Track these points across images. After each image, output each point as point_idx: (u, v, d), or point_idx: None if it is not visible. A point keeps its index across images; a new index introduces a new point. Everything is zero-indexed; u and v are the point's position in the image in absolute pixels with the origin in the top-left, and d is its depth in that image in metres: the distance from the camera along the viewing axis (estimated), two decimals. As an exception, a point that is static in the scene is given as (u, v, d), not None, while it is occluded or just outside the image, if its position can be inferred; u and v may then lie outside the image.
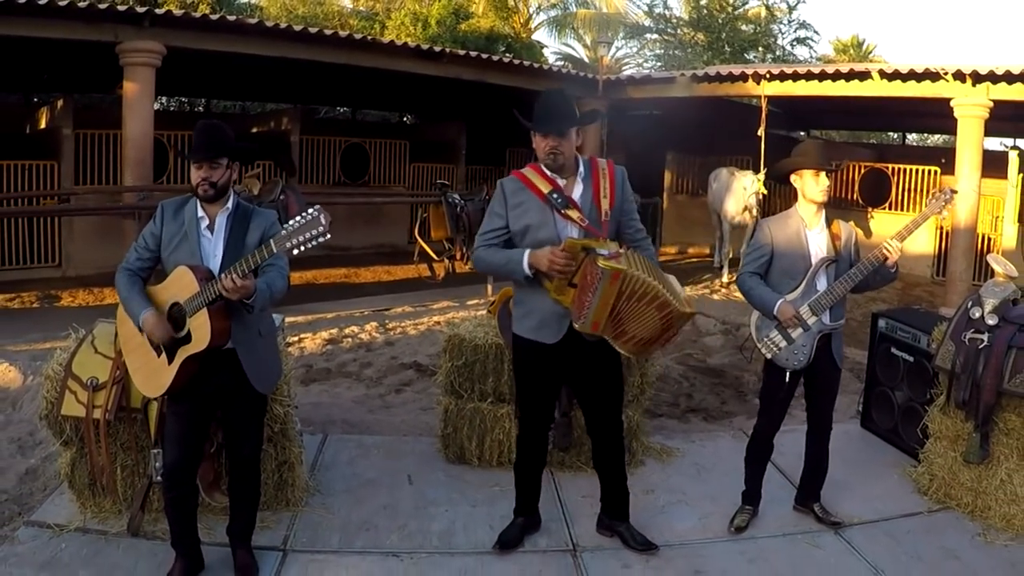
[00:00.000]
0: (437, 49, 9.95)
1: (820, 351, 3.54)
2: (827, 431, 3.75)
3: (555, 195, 3.18)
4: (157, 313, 2.91)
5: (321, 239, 2.70)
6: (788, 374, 3.55)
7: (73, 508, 3.59)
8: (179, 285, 2.88)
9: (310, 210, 2.70)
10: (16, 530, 3.45)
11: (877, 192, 12.90)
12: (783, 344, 3.52)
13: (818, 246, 3.53)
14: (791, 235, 3.54)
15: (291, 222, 2.71)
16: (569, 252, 3.08)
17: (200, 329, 2.82)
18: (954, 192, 3.65)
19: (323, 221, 2.67)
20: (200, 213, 2.98)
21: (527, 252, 3.15)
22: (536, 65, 11.44)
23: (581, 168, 3.27)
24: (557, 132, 3.16)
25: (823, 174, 3.50)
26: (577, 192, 3.24)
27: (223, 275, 2.76)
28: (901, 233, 3.49)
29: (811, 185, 3.51)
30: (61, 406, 3.41)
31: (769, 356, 3.57)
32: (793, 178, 3.58)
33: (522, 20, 21.26)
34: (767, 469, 3.85)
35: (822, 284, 3.51)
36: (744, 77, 10.45)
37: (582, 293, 3.03)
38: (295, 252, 2.72)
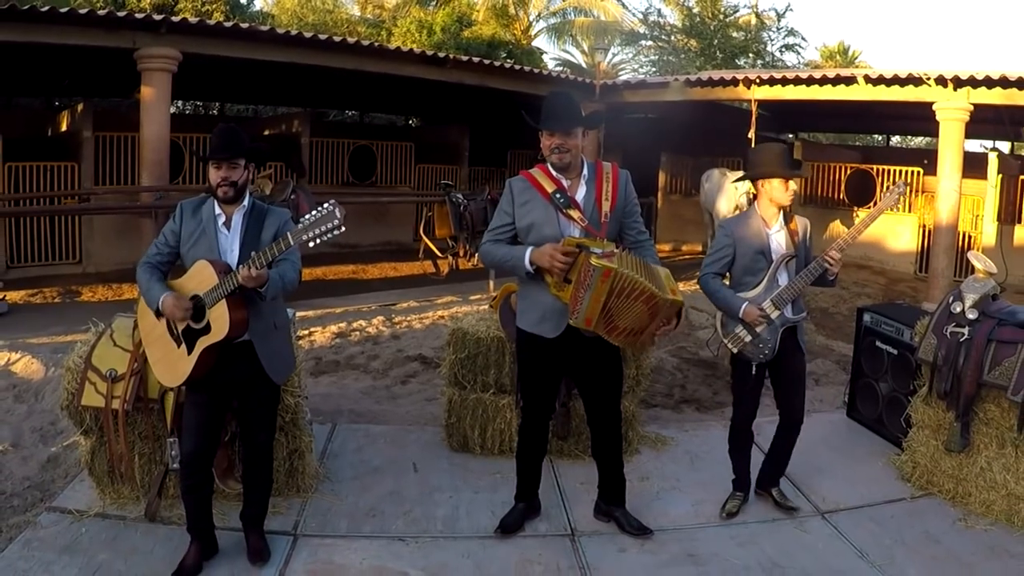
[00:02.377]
0: (441, 55, 10.02)
1: (785, 342, 3.62)
2: (797, 426, 3.78)
3: (558, 195, 3.27)
4: (175, 293, 2.98)
5: (337, 232, 2.76)
6: (754, 366, 3.64)
7: (93, 494, 3.69)
8: (199, 278, 2.97)
9: (326, 204, 2.76)
10: (39, 515, 3.54)
11: (862, 192, 13.01)
12: (748, 338, 3.60)
13: (778, 243, 3.61)
14: (752, 234, 3.61)
15: (308, 215, 2.77)
16: (567, 250, 3.17)
17: (219, 320, 2.91)
18: (907, 185, 3.76)
19: (338, 215, 2.75)
20: (217, 211, 3.08)
21: (529, 249, 3.23)
22: (536, 70, 11.51)
23: (585, 170, 3.35)
24: (563, 130, 3.24)
25: (791, 180, 3.57)
26: (580, 193, 3.32)
27: (242, 266, 2.86)
28: (858, 227, 3.62)
29: (779, 191, 3.57)
30: (81, 397, 3.48)
31: (735, 351, 3.66)
32: (760, 181, 3.64)
33: (522, 27, 21.41)
34: (756, 457, 3.94)
35: (783, 279, 3.60)
36: (735, 82, 10.57)
37: (576, 290, 3.11)
38: (311, 244, 2.78)
